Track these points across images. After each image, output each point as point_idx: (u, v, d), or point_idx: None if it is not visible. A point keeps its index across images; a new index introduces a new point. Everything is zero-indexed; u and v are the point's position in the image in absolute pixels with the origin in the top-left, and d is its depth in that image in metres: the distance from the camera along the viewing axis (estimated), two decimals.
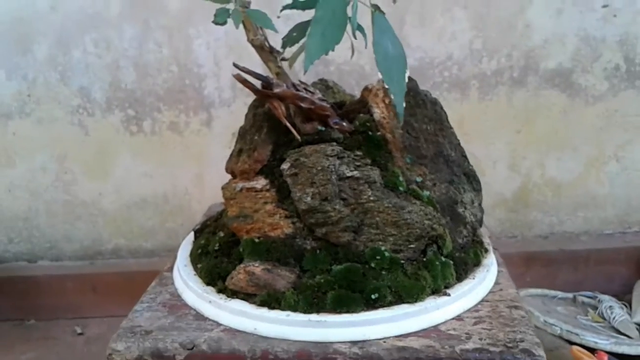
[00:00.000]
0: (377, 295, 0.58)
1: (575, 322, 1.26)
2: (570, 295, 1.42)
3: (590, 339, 1.18)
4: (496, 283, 0.67)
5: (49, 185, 1.50)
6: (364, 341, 0.57)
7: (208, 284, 0.64)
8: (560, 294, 1.43)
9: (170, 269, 0.74)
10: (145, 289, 1.60)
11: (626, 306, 1.34)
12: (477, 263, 0.67)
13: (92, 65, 1.41)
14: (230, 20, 0.62)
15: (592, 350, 1.17)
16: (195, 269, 0.67)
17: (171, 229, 1.56)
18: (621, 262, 1.44)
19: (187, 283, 0.65)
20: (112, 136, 1.47)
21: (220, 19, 0.60)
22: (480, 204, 0.69)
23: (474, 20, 1.36)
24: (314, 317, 0.57)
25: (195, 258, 0.68)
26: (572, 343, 1.19)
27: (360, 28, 0.59)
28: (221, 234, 0.66)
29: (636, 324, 1.25)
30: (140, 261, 1.57)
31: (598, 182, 1.47)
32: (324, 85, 0.75)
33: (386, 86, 0.56)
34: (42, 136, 1.45)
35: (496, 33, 1.37)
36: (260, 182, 0.63)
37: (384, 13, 0.59)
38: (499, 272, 0.69)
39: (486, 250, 0.70)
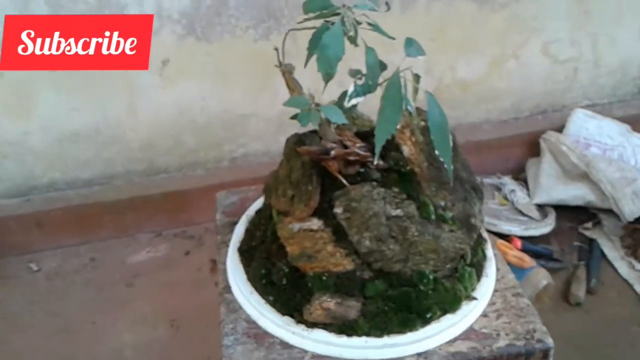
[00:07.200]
0: (430, 314, 0.74)
1: (489, 210, 1.53)
2: (477, 179, 1.67)
3: (505, 227, 1.46)
4: (497, 269, 0.85)
5: None
6: (426, 351, 0.74)
7: (284, 314, 0.76)
8: None
9: (228, 290, 0.82)
10: (89, 218, 1.63)
11: (523, 185, 1.62)
12: (484, 257, 0.85)
13: None
14: None
15: (506, 236, 1.45)
16: (266, 299, 0.77)
17: (109, 157, 1.56)
18: (515, 145, 1.71)
19: (262, 312, 0.76)
20: (30, 74, 1.38)
21: (304, 122, 0.65)
22: (482, 210, 0.84)
23: None
24: (386, 340, 0.73)
25: (261, 287, 0.78)
26: (490, 232, 1.45)
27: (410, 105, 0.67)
28: (285, 269, 0.76)
29: (535, 204, 1.54)
30: (81, 192, 1.58)
31: (499, 78, 1.66)
32: None
33: (441, 158, 0.68)
34: None
35: None
36: (315, 223, 0.73)
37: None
38: (494, 255, 0.87)
39: (485, 241, 0.87)
